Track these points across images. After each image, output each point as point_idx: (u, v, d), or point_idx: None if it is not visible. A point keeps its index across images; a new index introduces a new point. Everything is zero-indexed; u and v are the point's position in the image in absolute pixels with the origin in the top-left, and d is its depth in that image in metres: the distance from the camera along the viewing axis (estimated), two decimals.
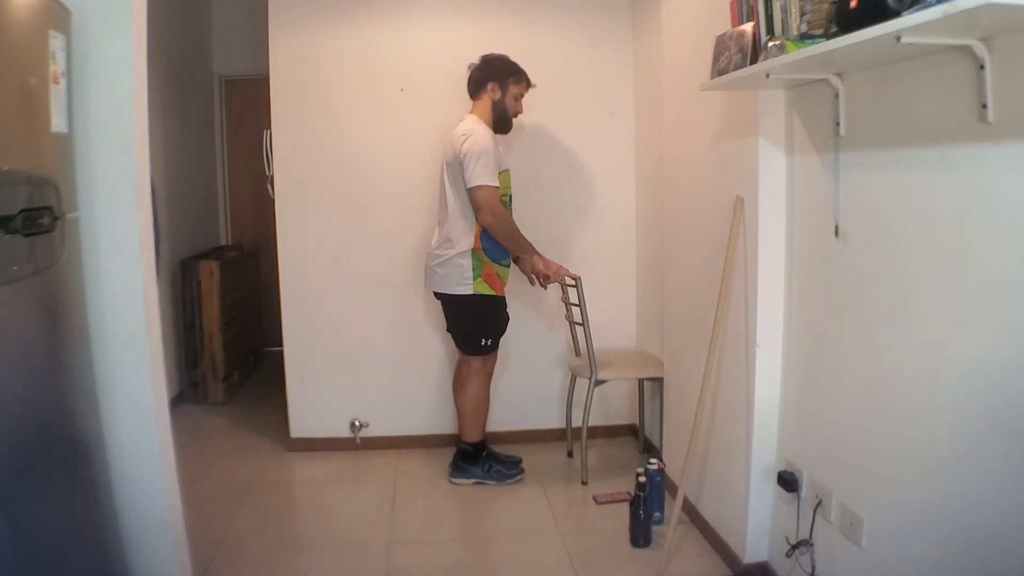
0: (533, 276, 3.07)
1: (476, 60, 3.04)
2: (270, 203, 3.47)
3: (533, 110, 3.50)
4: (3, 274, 1.46)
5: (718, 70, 2.08)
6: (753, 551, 2.33)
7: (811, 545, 2.06)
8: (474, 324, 3.04)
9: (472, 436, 3.14)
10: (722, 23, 2.15)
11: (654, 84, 3.17)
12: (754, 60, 1.92)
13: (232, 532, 2.72)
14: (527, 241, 2.99)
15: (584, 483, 3.14)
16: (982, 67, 1.38)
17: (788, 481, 2.15)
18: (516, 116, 3.07)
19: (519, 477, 3.17)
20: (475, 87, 3.03)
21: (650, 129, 3.32)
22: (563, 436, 3.52)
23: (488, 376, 3.14)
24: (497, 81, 2.99)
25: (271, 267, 3.61)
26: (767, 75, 1.79)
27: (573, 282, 3.08)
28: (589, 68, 3.53)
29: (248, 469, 3.28)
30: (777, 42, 1.75)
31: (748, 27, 1.97)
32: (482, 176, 2.84)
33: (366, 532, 2.75)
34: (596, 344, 3.15)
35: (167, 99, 4.14)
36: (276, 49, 3.35)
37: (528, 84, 3.04)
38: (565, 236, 3.53)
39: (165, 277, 4.03)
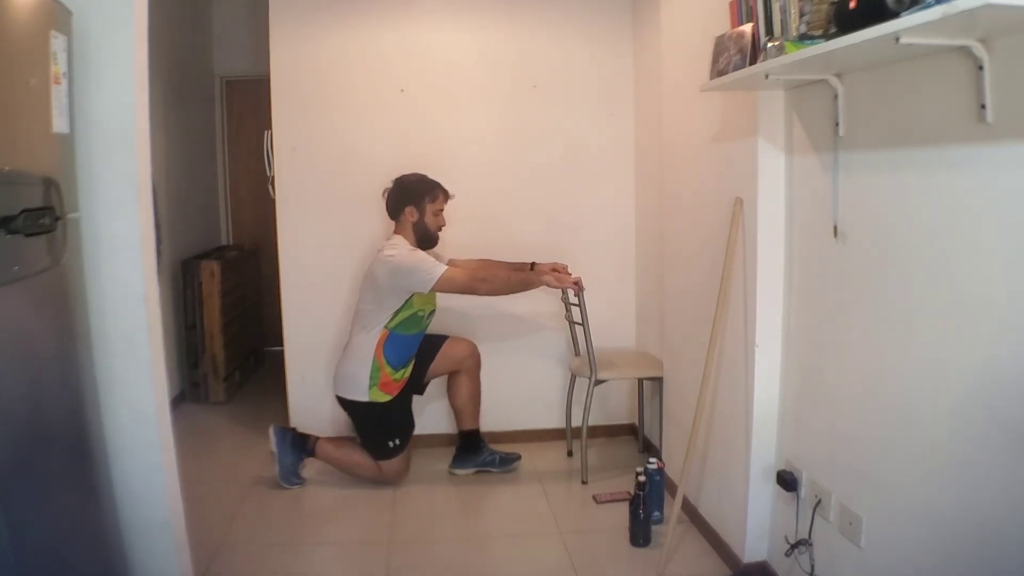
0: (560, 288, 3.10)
1: (390, 184, 3.06)
2: (271, 203, 3.48)
3: (533, 110, 3.51)
4: (4, 274, 1.46)
5: (718, 71, 2.09)
6: (752, 550, 2.33)
7: (810, 545, 2.06)
8: (377, 429, 3.06)
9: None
10: (722, 24, 2.16)
11: (654, 84, 3.17)
12: (753, 61, 1.92)
13: (232, 532, 2.72)
14: (524, 276, 3.01)
15: (584, 482, 3.15)
16: (981, 68, 1.38)
17: (787, 481, 2.15)
18: (439, 231, 3.07)
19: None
20: (393, 211, 3.05)
21: (650, 129, 3.32)
22: (563, 436, 3.52)
23: (396, 478, 3.11)
24: (413, 204, 3.00)
25: (272, 267, 3.62)
26: (766, 76, 1.80)
27: (575, 299, 3.10)
28: (589, 68, 3.53)
29: (248, 469, 3.28)
30: (776, 43, 1.76)
31: (747, 28, 1.97)
32: (432, 271, 2.86)
33: (366, 532, 2.76)
34: (596, 344, 3.15)
35: (168, 100, 4.15)
36: (277, 50, 3.35)
37: (446, 197, 3.05)
38: (565, 236, 3.53)
39: (166, 277, 4.04)
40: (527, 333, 3.57)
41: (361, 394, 2.99)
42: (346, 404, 3.07)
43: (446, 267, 2.91)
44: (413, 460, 3.40)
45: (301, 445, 3.11)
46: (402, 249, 2.95)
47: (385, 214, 3.49)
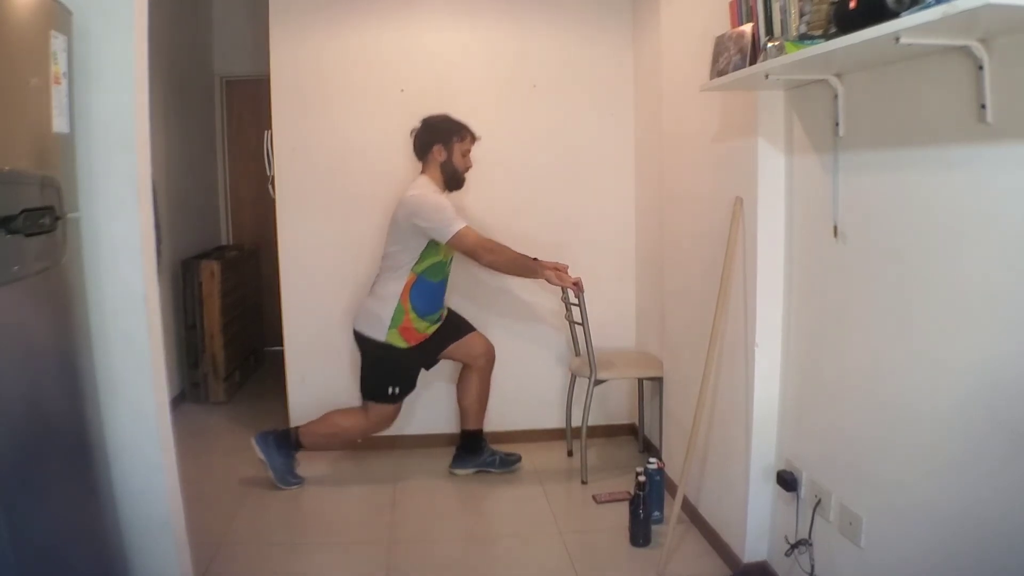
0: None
1: (417, 124, 3.03)
2: (271, 203, 3.48)
3: (533, 110, 3.51)
4: (4, 274, 1.46)
5: (717, 71, 2.09)
6: (752, 550, 2.33)
7: (810, 545, 2.06)
8: (381, 371, 3.03)
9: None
10: (722, 24, 2.16)
11: (654, 84, 3.17)
12: (753, 61, 1.92)
13: (232, 532, 2.72)
14: (529, 262, 2.98)
15: (584, 482, 3.15)
16: (981, 68, 1.38)
17: (787, 481, 2.15)
18: (467, 171, 3.06)
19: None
20: (421, 151, 3.03)
21: (650, 129, 3.32)
22: (563, 436, 3.52)
23: (379, 427, 3.10)
24: (441, 143, 2.98)
25: (272, 267, 3.62)
26: (766, 76, 1.80)
27: (575, 300, 3.09)
28: (589, 68, 3.53)
29: (249, 469, 3.27)
30: (776, 43, 1.76)
31: (747, 28, 1.97)
32: (454, 223, 2.84)
33: (366, 532, 2.76)
34: (596, 344, 3.15)
35: (168, 100, 4.15)
36: (276, 50, 3.35)
37: (473, 138, 3.04)
38: (565, 236, 3.53)
39: (166, 277, 4.04)
40: (527, 333, 3.57)
41: (379, 333, 2.95)
42: (361, 340, 3.03)
43: (465, 224, 2.88)
44: (412, 460, 3.41)
45: (285, 442, 3.09)
46: (426, 190, 2.92)
47: (386, 214, 3.50)
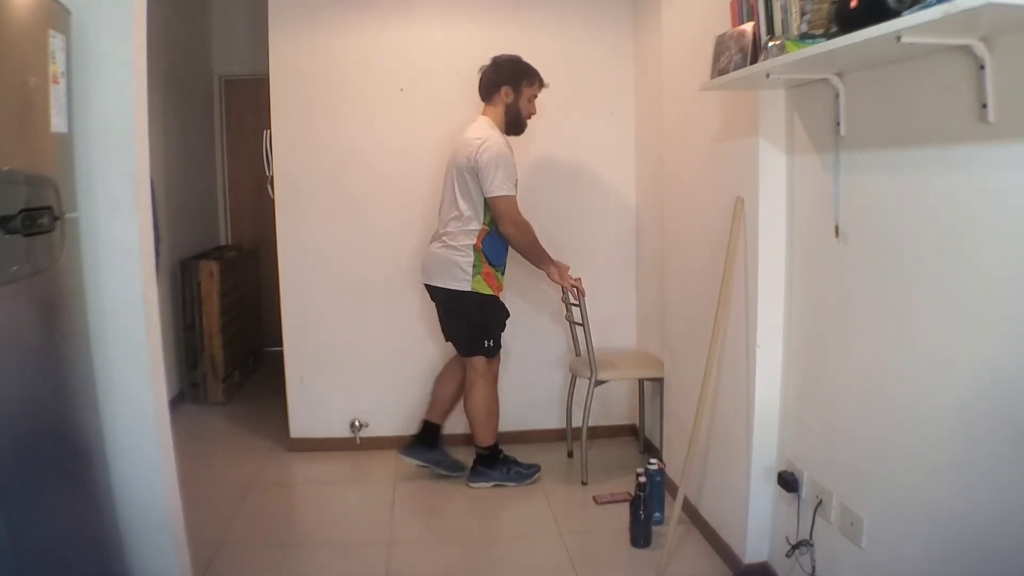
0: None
1: (487, 62, 2.98)
2: (270, 203, 3.47)
3: None
4: (3, 274, 1.46)
5: (718, 70, 2.08)
6: (753, 551, 2.33)
7: (811, 545, 2.06)
8: (472, 323, 3.00)
9: (487, 439, 3.11)
10: (722, 23, 2.15)
11: (654, 84, 3.17)
12: (754, 60, 1.92)
13: (232, 532, 2.72)
14: (545, 252, 2.99)
15: (584, 483, 3.14)
16: (982, 67, 1.37)
17: (788, 481, 2.15)
18: (530, 117, 3.03)
19: (538, 476, 3.17)
20: (487, 91, 2.98)
21: (650, 129, 3.32)
22: (563, 436, 3.52)
23: (494, 378, 3.10)
24: (510, 85, 2.94)
25: (271, 267, 3.62)
26: (767, 75, 1.79)
27: (576, 301, 3.08)
28: (589, 68, 3.52)
29: (248, 469, 3.27)
30: (777, 42, 1.75)
31: (748, 27, 1.96)
32: (502, 187, 2.83)
33: (366, 532, 2.75)
34: (596, 344, 3.15)
35: (167, 99, 4.14)
36: (276, 49, 3.34)
37: (541, 84, 3.00)
38: (565, 236, 3.52)
39: (165, 277, 4.03)
40: (527, 333, 3.56)
41: (463, 283, 2.92)
42: (443, 295, 2.99)
43: (511, 193, 2.87)
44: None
45: (491, 459, 3.10)
46: (491, 134, 2.88)
47: (386, 214, 3.50)
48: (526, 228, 2.92)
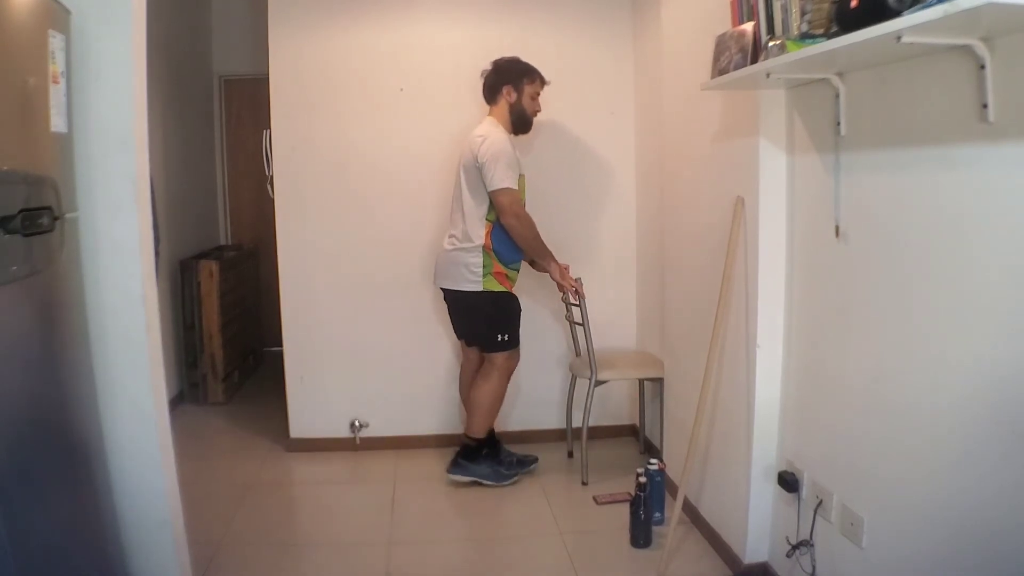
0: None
1: (488, 66, 3.03)
2: (270, 203, 3.47)
3: None
4: (2, 274, 1.46)
5: (718, 70, 2.08)
6: (753, 551, 2.33)
7: (811, 545, 2.06)
8: (489, 321, 3.02)
9: (479, 432, 3.11)
10: (722, 23, 2.15)
11: (654, 84, 3.17)
12: (755, 60, 1.92)
13: (232, 532, 2.71)
14: (546, 247, 3.00)
15: (584, 483, 3.14)
16: (983, 67, 1.37)
17: (788, 481, 2.15)
18: (535, 115, 3.07)
19: (515, 480, 3.15)
20: (490, 93, 3.04)
21: (650, 129, 3.32)
22: (563, 436, 3.52)
23: (509, 373, 3.12)
24: (511, 84, 2.99)
25: (271, 267, 3.62)
26: (768, 75, 1.79)
27: (576, 301, 3.08)
28: (589, 67, 3.52)
29: (248, 469, 3.27)
30: (778, 42, 1.75)
31: (748, 27, 1.96)
32: (503, 179, 2.85)
33: (366, 532, 2.75)
34: (596, 344, 3.15)
35: (167, 99, 4.14)
36: (276, 49, 3.34)
37: (543, 82, 3.04)
38: (565, 235, 3.52)
39: (164, 277, 4.03)
40: (528, 333, 3.55)
41: (474, 283, 2.95)
42: (457, 297, 3.03)
43: (513, 185, 2.89)
44: (411, 461, 3.41)
45: (474, 452, 3.09)
46: (493, 131, 2.93)
47: (386, 213, 3.50)
48: (528, 222, 2.94)
